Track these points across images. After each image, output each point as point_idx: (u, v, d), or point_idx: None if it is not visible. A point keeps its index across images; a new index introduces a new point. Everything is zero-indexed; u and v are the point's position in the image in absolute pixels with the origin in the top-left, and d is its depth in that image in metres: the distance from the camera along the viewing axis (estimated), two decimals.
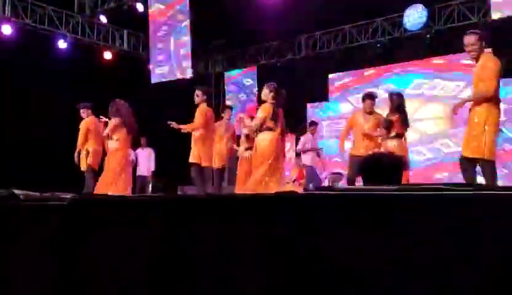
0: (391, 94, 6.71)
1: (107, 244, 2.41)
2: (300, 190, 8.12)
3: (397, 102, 6.43)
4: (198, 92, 6.79)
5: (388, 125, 6.33)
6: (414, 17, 10.82)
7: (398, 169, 1.99)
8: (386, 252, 1.57)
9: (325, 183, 10.42)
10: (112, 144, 6.86)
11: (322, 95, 12.32)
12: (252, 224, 1.91)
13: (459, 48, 10.05)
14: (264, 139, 5.83)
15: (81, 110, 7.85)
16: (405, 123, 6.46)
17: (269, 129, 5.85)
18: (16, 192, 3.21)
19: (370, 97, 6.92)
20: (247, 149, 7.52)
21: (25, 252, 2.73)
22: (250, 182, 5.84)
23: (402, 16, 11.05)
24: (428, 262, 1.49)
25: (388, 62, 11.66)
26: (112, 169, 6.76)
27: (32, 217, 2.80)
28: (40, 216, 2.76)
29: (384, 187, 1.64)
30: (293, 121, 12.51)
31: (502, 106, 5.01)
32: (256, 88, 13.41)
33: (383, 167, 1.97)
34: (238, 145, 8.01)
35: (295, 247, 1.79)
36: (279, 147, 5.95)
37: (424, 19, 10.71)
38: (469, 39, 4.73)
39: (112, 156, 6.84)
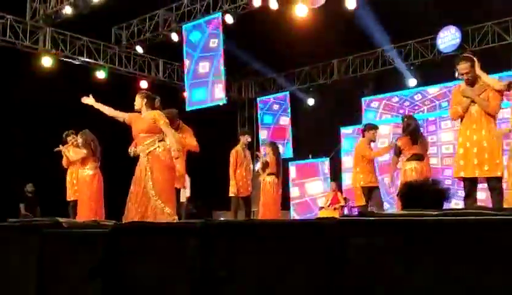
0: (403, 118, 6.78)
1: (148, 270, 2.46)
2: (336, 215, 8.08)
3: (408, 125, 6.40)
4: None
5: (395, 150, 6.39)
6: (447, 39, 10.74)
7: (439, 200, 1.96)
8: (427, 277, 1.56)
9: None
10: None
11: (355, 119, 12.27)
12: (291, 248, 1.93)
13: (496, 69, 9.99)
14: None
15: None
16: (417, 143, 6.35)
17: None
18: (60, 219, 3.31)
19: (372, 127, 7.06)
20: (269, 174, 7.66)
21: (69, 279, 2.80)
22: None
23: (435, 39, 10.99)
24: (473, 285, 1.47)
25: (421, 85, 11.56)
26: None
27: (75, 244, 2.88)
28: (83, 243, 2.83)
29: (424, 212, 1.64)
30: (327, 145, 12.51)
31: None
32: (290, 114, 13.47)
33: (422, 196, 1.95)
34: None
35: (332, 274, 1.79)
36: None
37: (458, 40, 10.61)
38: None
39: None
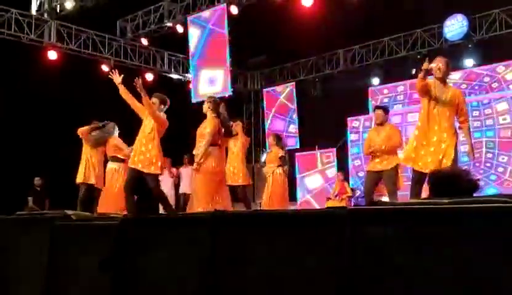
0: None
1: (158, 261, 2.46)
2: (343, 205, 8.05)
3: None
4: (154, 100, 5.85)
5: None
6: (455, 27, 10.64)
7: (471, 190, 1.92)
8: (438, 265, 1.55)
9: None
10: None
11: (362, 109, 12.20)
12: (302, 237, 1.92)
13: (503, 57, 9.90)
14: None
15: None
16: None
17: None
18: (68, 212, 3.32)
19: (379, 108, 6.82)
20: (278, 166, 7.59)
21: (79, 270, 2.80)
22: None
23: (441, 27, 10.88)
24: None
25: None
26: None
27: (84, 236, 2.88)
28: (92, 234, 2.84)
29: (438, 201, 1.62)
30: (334, 135, 12.45)
31: None
32: (296, 104, 13.42)
33: (458, 184, 1.91)
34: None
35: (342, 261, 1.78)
36: None
37: (465, 29, 10.51)
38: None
39: None
